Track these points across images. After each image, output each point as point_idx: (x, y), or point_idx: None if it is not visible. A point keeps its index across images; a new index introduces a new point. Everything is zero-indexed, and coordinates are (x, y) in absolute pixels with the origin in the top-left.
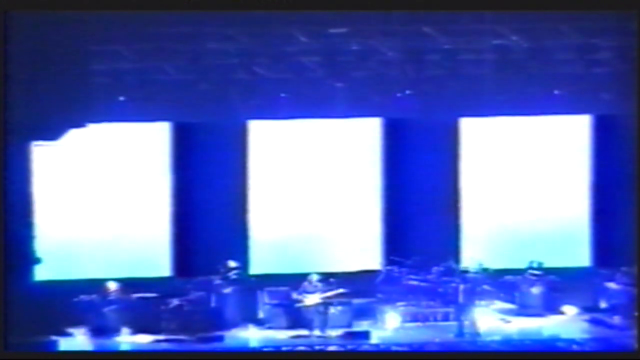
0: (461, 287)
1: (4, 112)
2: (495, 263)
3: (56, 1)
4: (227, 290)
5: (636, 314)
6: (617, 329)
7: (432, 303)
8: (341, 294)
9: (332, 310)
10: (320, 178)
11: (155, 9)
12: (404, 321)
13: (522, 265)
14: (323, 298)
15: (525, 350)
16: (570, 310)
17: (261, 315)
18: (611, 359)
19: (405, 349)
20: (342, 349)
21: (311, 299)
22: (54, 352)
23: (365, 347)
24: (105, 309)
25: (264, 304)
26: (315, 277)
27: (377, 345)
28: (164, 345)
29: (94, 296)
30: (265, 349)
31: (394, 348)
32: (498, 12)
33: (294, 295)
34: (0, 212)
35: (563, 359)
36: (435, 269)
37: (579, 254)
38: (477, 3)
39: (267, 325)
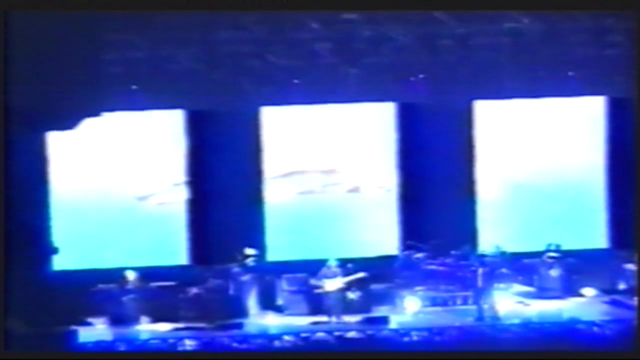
0: (480, 270)
1: (19, 103)
2: (513, 246)
3: (56, 1)
4: (245, 277)
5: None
6: (636, 310)
7: (450, 287)
8: (361, 279)
9: (351, 295)
10: (335, 164)
11: (158, 9)
12: (423, 306)
13: (540, 248)
14: (344, 283)
15: (525, 350)
16: (589, 292)
17: (280, 302)
18: (611, 358)
19: (424, 333)
20: (361, 334)
21: (331, 285)
22: (55, 352)
23: (384, 333)
24: (124, 298)
25: (282, 291)
26: (334, 263)
27: (396, 330)
28: (183, 333)
29: (112, 285)
30: (285, 336)
31: (413, 333)
32: None
33: (312, 281)
34: (14, 203)
35: (563, 358)
36: (453, 252)
37: (596, 235)
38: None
39: (286, 311)
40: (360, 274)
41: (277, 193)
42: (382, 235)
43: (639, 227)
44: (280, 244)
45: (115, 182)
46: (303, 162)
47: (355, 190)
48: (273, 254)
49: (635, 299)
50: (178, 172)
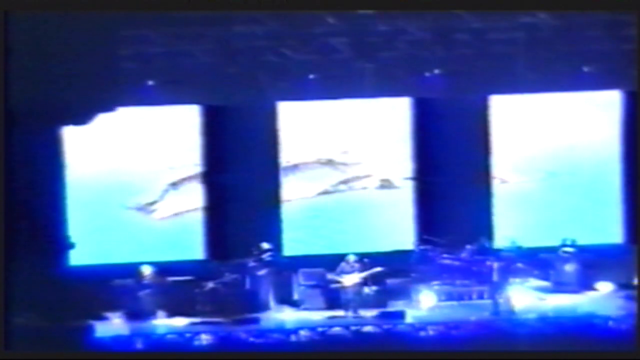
0: (495, 265)
1: (35, 99)
2: (529, 241)
3: (57, 1)
4: (261, 272)
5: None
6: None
7: (466, 282)
8: (377, 274)
9: (367, 290)
10: (351, 159)
11: (161, 9)
12: (439, 300)
13: (555, 242)
14: (361, 278)
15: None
16: (604, 287)
17: (296, 296)
18: (611, 358)
19: (440, 328)
20: (377, 329)
21: (348, 279)
22: (56, 352)
23: (401, 327)
24: (140, 293)
25: (299, 285)
26: (352, 258)
27: (412, 324)
28: (200, 328)
29: (128, 280)
30: (301, 330)
31: (429, 327)
32: None
33: (329, 276)
34: (30, 198)
35: (564, 358)
36: (469, 247)
37: (612, 230)
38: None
39: (302, 306)
40: (377, 269)
41: (293, 188)
42: (398, 230)
43: (639, 223)
44: (297, 238)
45: (132, 177)
46: (319, 157)
47: (370, 185)
48: (289, 249)
49: None
50: (194, 167)
